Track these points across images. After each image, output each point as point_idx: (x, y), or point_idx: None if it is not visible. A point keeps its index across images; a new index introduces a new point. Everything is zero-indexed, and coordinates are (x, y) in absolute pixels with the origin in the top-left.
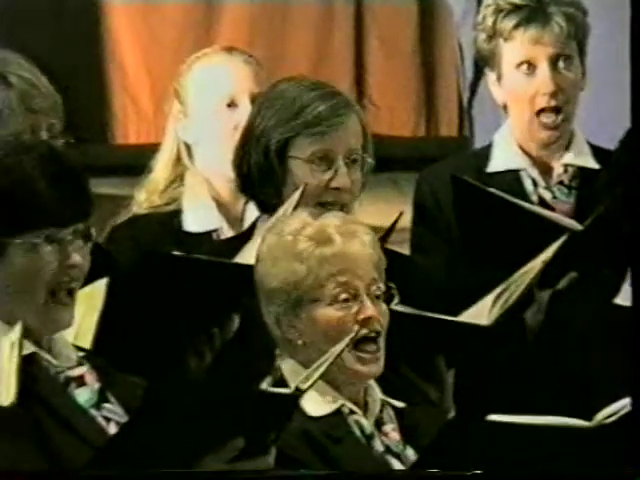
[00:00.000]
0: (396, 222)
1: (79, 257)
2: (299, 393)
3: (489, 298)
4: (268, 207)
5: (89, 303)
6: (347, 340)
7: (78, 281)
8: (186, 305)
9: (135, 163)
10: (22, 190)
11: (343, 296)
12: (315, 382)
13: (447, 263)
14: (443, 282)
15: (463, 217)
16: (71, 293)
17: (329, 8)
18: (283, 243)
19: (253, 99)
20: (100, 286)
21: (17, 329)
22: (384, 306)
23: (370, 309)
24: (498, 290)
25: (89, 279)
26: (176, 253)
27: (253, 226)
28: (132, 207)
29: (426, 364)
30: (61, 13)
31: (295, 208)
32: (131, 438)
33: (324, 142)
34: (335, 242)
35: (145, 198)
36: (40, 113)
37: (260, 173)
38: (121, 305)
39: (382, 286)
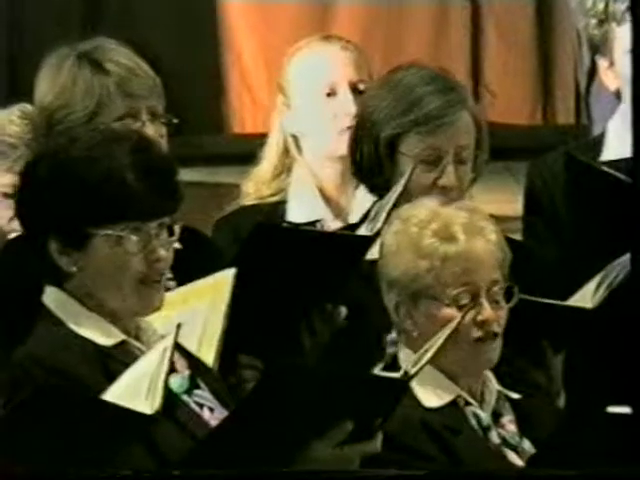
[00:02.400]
0: None
1: (164, 251)
2: (408, 378)
3: (594, 281)
4: (380, 194)
5: (214, 295)
6: (454, 325)
7: (163, 273)
8: (299, 280)
9: (252, 152)
10: (110, 181)
11: (463, 297)
12: (423, 367)
13: (558, 251)
14: (554, 269)
15: (576, 198)
16: (158, 282)
17: (446, 1)
18: (408, 234)
19: (352, 86)
20: (226, 277)
21: (171, 336)
22: (503, 307)
23: (488, 311)
24: (603, 273)
25: (194, 269)
26: (288, 226)
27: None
28: (240, 198)
29: (533, 349)
30: (182, 9)
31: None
32: (242, 422)
33: (433, 140)
34: (459, 241)
35: (253, 189)
36: (139, 97)
37: (370, 163)
38: (237, 285)
39: (503, 287)
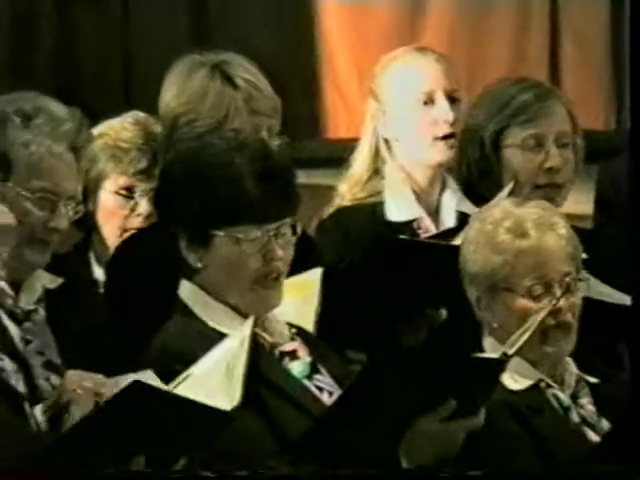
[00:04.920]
0: None
1: (282, 251)
2: (506, 358)
3: None
4: (485, 200)
5: (305, 291)
6: (546, 311)
7: (281, 272)
8: (406, 283)
9: (344, 156)
10: (230, 186)
11: (536, 289)
12: (520, 348)
13: (627, 249)
14: (625, 268)
15: None
16: (277, 279)
17: (526, 10)
18: (484, 231)
19: (448, 95)
20: (315, 275)
21: (248, 325)
22: (577, 297)
23: (561, 301)
24: None
25: (296, 266)
26: (403, 237)
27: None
28: (335, 199)
29: (607, 348)
30: (279, 18)
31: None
32: (355, 399)
33: (534, 127)
34: (531, 236)
35: (347, 190)
36: (262, 115)
37: (478, 168)
38: (347, 286)
39: (575, 277)
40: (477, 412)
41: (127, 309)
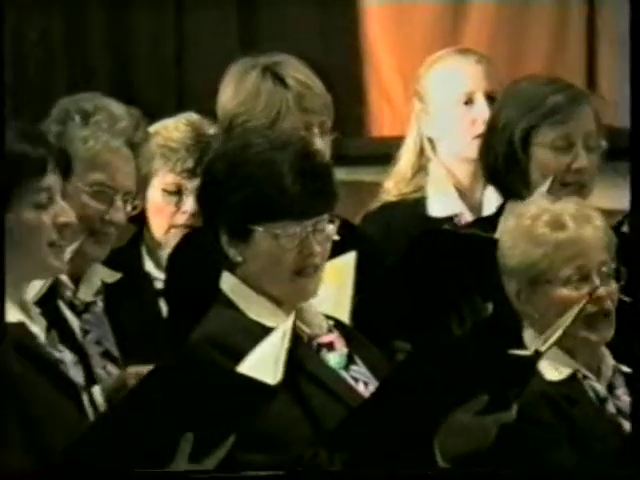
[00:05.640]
0: None
1: (319, 247)
2: (538, 355)
3: None
4: (512, 193)
5: (339, 277)
6: (581, 306)
7: (318, 266)
8: (453, 275)
9: (388, 153)
10: (270, 183)
11: (576, 278)
12: (552, 345)
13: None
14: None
15: None
16: (315, 271)
17: (564, 8)
18: (522, 227)
19: (487, 95)
20: (349, 260)
21: (289, 321)
22: (614, 285)
23: (600, 289)
24: None
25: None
26: (450, 229)
27: (499, 210)
28: (382, 195)
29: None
30: (324, 20)
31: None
32: (393, 391)
33: (564, 129)
34: (569, 228)
35: (393, 186)
36: (313, 112)
37: (506, 162)
38: (397, 275)
39: (612, 266)
40: (509, 407)
41: (185, 305)
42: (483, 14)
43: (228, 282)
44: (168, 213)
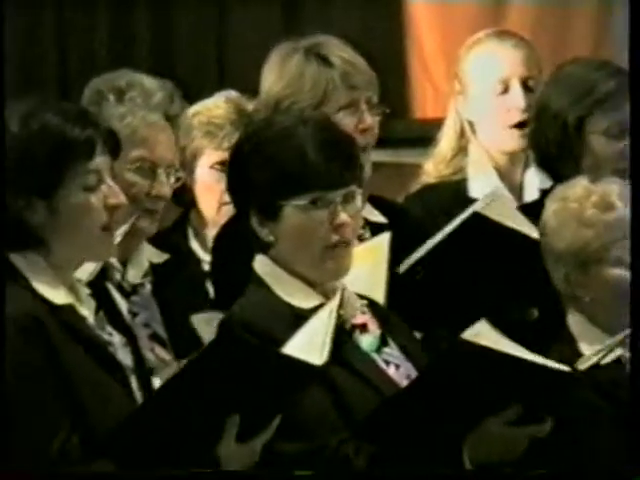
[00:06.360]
0: None
1: (347, 217)
2: (577, 373)
3: None
4: (563, 179)
5: (373, 258)
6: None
7: (351, 238)
8: (496, 275)
9: (431, 135)
10: (294, 158)
11: (627, 258)
12: (593, 364)
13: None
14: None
15: None
16: (346, 247)
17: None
18: (569, 210)
19: (523, 81)
20: (383, 240)
21: (336, 299)
22: None
23: None
24: None
25: (394, 238)
26: (495, 218)
27: (543, 195)
28: (422, 176)
29: None
30: (370, 6)
31: None
32: (420, 392)
33: (617, 115)
34: (618, 208)
35: (433, 168)
36: (359, 89)
37: (559, 148)
38: (436, 261)
39: None
40: (544, 420)
41: (231, 286)
42: (523, 11)
43: (260, 263)
44: (218, 191)
